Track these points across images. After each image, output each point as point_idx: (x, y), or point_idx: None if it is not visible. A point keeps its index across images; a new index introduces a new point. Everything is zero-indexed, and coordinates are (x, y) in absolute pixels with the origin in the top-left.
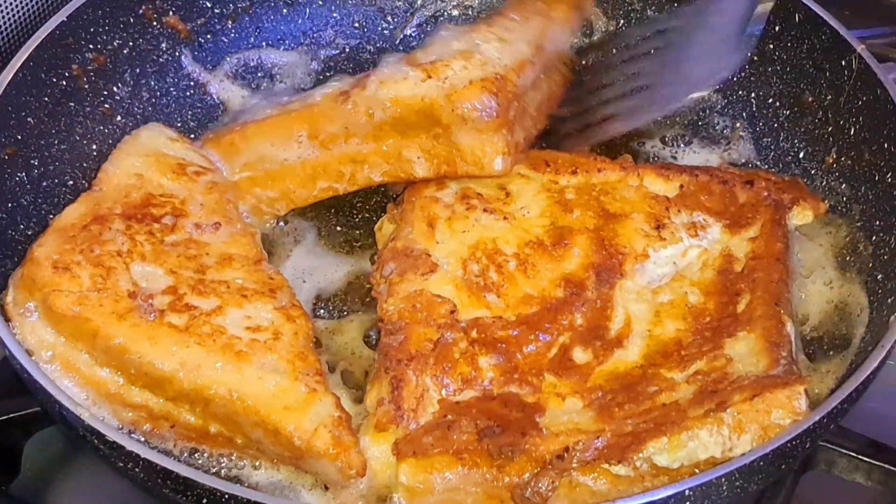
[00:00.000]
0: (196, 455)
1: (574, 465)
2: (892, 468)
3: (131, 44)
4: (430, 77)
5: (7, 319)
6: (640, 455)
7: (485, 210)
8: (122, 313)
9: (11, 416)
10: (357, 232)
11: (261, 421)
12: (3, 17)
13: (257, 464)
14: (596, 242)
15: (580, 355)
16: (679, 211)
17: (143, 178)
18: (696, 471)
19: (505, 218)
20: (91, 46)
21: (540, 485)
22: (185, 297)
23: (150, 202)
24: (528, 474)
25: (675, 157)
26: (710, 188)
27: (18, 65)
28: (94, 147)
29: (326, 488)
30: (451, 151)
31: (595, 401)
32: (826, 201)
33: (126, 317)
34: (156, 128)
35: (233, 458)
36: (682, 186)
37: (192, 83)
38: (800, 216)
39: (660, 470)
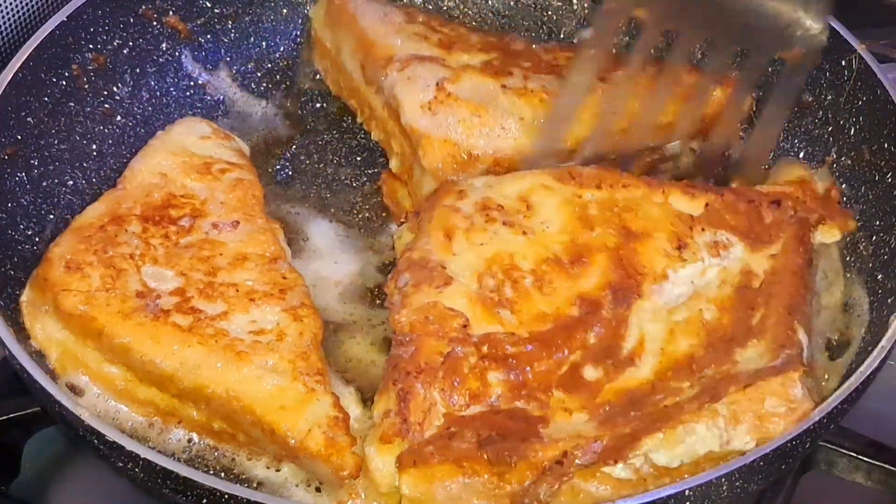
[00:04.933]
0: (200, 446)
1: (573, 469)
2: (892, 468)
3: (131, 44)
4: None
5: (21, 317)
6: (637, 452)
7: (504, 223)
8: (127, 312)
9: (11, 416)
10: (356, 231)
11: (257, 420)
12: (3, 17)
13: (261, 461)
14: (615, 261)
15: (591, 373)
16: (703, 230)
17: (166, 178)
18: (698, 470)
19: (524, 232)
20: (91, 46)
21: (539, 491)
22: (192, 300)
23: (170, 203)
24: (528, 481)
25: (677, 158)
26: (736, 207)
27: (18, 65)
28: (94, 147)
29: (318, 490)
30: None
31: (601, 414)
32: (855, 219)
33: (131, 316)
34: (189, 123)
35: (237, 455)
36: (707, 205)
37: (192, 83)
38: (827, 234)
39: (661, 471)
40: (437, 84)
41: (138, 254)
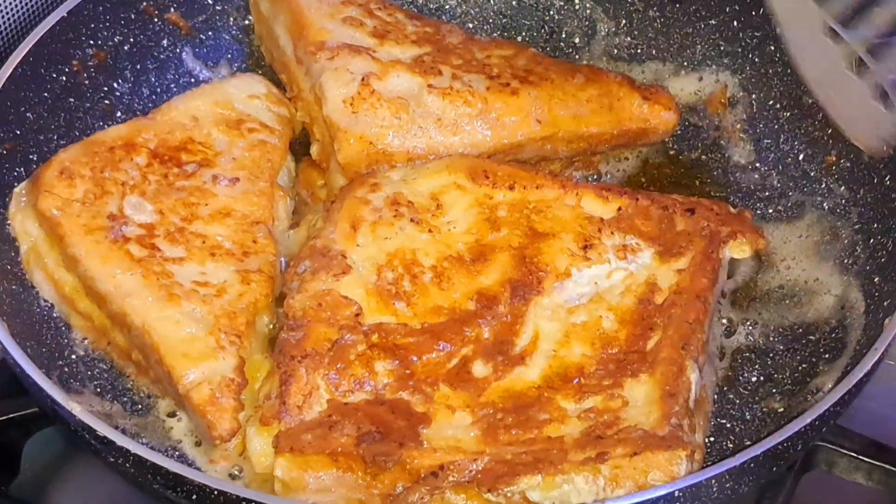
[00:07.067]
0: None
1: (446, 484)
2: (892, 468)
3: (132, 40)
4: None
5: (7, 203)
6: (513, 489)
7: (412, 220)
8: (91, 229)
9: (11, 416)
10: None
11: (160, 360)
12: (4, 13)
13: (165, 401)
14: (517, 259)
15: (480, 369)
16: (612, 233)
17: (196, 122)
18: None
19: (430, 230)
20: (91, 42)
21: (410, 499)
22: (157, 238)
23: (186, 147)
24: (400, 486)
25: (677, 160)
26: (648, 213)
27: (18, 60)
28: None
29: (198, 444)
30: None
31: (484, 418)
32: (766, 238)
33: (93, 233)
34: (247, 79)
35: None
36: (619, 209)
37: (192, 80)
38: (737, 250)
39: (530, 503)
40: (363, 79)
41: (131, 184)
